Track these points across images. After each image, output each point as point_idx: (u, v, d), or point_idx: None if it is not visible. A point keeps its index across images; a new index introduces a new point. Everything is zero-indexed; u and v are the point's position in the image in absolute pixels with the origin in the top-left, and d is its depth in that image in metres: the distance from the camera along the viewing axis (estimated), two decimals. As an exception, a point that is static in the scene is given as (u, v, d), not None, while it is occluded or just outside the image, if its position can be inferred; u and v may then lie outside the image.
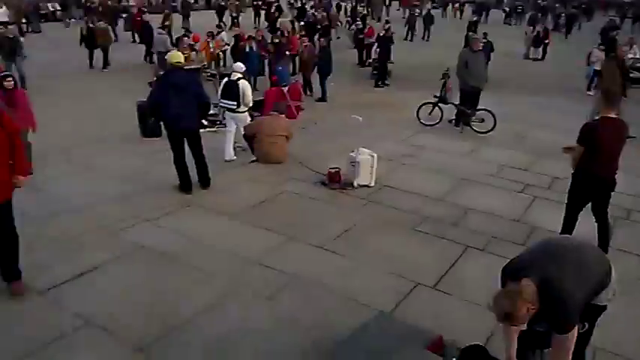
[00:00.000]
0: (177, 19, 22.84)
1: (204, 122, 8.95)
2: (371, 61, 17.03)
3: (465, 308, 4.34)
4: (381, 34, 15.95)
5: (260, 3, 29.60)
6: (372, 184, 6.95)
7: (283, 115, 8.02)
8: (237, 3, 28.42)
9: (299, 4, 29.92)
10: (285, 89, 11.16)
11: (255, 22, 27.70)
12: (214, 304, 4.27)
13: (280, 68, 12.99)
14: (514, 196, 6.91)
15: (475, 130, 9.79)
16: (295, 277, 4.67)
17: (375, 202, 6.47)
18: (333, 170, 6.94)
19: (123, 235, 5.37)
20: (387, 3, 36.52)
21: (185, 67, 7.08)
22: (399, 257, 5.16)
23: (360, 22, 20.79)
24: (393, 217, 6.06)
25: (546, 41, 21.23)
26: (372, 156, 7.04)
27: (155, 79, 9.82)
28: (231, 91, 7.76)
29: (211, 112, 9.76)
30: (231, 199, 6.35)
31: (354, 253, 5.18)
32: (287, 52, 14.82)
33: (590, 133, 4.90)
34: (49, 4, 30.29)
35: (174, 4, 33.20)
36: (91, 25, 16.31)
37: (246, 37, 14.31)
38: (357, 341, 3.53)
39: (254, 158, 7.78)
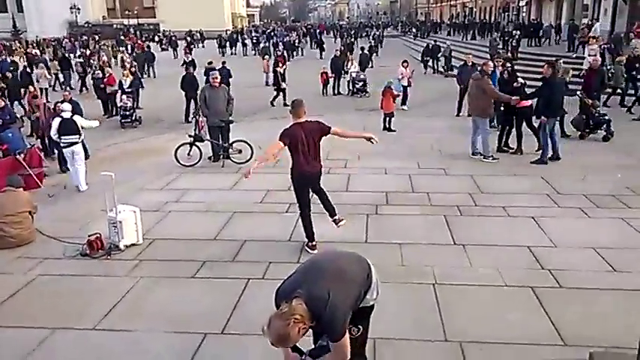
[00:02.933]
0: None
1: None
2: (118, 108, 16.28)
3: (255, 342, 4.30)
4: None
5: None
6: (140, 242, 6.51)
7: (21, 189, 7.02)
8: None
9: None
10: (21, 157, 9.86)
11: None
12: None
13: (11, 134, 11.44)
14: (282, 217, 7.22)
15: (235, 162, 10.01)
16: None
17: (147, 260, 6.07)
18: (92, 237, 6.31)
19: None
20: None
21: None
22: (182, 312, 4.91)
23: (99, 71, 19.59)
24: (169, 271, 5.76)
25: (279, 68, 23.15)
26: (134, 211, 6.61)
27: None
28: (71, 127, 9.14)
29: None
30: (-30, 302, 5.27)
31: (133, 322, 4.76)
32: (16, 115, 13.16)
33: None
34: None
35: None
36: None
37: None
38: None
39: (-7, 246, 6.63)
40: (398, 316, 4.68)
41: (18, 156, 9.81)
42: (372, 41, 36.70)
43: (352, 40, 38.95)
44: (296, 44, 38.95)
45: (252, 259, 5.96)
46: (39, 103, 12.58)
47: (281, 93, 18.00)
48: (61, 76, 25.18)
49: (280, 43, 38.07)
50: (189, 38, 44.89)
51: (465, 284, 5.25)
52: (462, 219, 7.02)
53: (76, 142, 9.25)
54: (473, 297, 5.03)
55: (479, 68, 10.90)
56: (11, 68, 22.09)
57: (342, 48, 25.42)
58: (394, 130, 12.90)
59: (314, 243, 6.14)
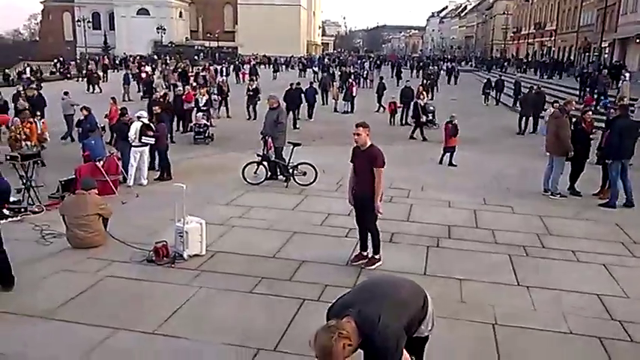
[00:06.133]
0: None
1: (6, 212, 7.97)
2: (192, 125, 16.97)
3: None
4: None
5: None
6: (203, 253, 6.71)
7: (94, 191, 7.37)
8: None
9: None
10: (100, 164, 10.48)
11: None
12: None
13: (93, 142, 12.20)
14: (341, 241, 7.23)
15: (299, 184, 10.17)
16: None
17: (208, 272, 6.24)
18: (159, 244, 6.57)
19: None
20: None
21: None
22: (238, 326, 4.99)
23: (180, 87, 20.68)
24: (228, 284, 5.89)
25: (354, 95, 23.46)
26: (200, 223, 6.83)
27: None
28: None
29: (13, 199, 8.77)
30: (43, 296, 5.58)
31: (191, 331, 4.88)
32: (97, 124, 14.06)
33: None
34: None
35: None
36: None
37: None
38: None
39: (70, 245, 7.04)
40: (454, 353, 4.55)
41: (97, 163, 10.44)
42: (427, 77, 33.97)
43: (432, 72, 37.78)
44: (364, 75, 38.48)
45: (308, 280, 5.98)
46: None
47: (420, 126, 17.28)
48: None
49: (336, 73, 37.23)
50: (252, 62, 45.44)
51: (527, 327, 5.02)
52: (528, 260, 6.75)
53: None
54: (535, 341, 4.80)
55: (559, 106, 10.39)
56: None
57: (423, 81, 25.65)
58: (454, 165, 12.67)
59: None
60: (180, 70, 32.47)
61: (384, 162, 6.02)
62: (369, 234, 6.34)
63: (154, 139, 11.11)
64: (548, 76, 37.68)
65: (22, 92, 18.82)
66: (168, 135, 13.40)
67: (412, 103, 18.55)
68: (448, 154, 12.85)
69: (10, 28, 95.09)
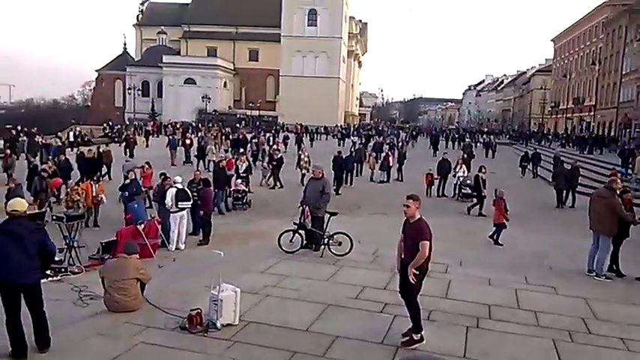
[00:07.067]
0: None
1: (47, 272, 8.14)
2: (231, 191, 17.31)
3: None
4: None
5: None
6: (237, 322, 6.63)
7: (135, 256, 7.50)
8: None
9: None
10: (141, 227, 10.73)
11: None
12: None
13: (136, 205, 12.56)
14: (376, 316, 7.05)
15: (334, 253, 10.10)
16: None
17: (240, 343, 6.14)
18: (193, 312, 6.55)
19: None
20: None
21: (28, 213, 6.51)
22: (268, 402, 4.85)
23: (222, 155, 21.41)
24: (260, 357, 5.78)
25: (390, 165, 23.67)
26: (235, 291, 6.81)
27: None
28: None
29: (56, 258, 8.99)
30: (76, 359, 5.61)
31: (220, 405, 4.77)
32: (142, 188, 14.53)
33: None
34: None
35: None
36: None
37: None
38: None
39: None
40: None
41: (139, 226, 10.70)
42: (465, 149, 31.59)
43: (467, 145, 37.49)
44: (399, 146, 38.30)
45: (342, 358, 5.81)
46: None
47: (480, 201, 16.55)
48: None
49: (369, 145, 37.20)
50: (298, 131, 46.33)
51: (575, 422, 4.70)
52: (573, 346, 6.40)
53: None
54: None
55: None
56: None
57: (463, 155, 25.45)
58: (501, 244, 12.24)
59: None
60: (233, 137, 33.57)
61: (429, 235, 6.02)
62: (409, 308, 6.18)
63: (190, 203, 11.46)
64: (588, 151, 37.19)
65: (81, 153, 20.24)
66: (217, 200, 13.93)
67: (474, 177, 18.33)
68: (496, 231, 12.41)
69: (66, 94, 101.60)
